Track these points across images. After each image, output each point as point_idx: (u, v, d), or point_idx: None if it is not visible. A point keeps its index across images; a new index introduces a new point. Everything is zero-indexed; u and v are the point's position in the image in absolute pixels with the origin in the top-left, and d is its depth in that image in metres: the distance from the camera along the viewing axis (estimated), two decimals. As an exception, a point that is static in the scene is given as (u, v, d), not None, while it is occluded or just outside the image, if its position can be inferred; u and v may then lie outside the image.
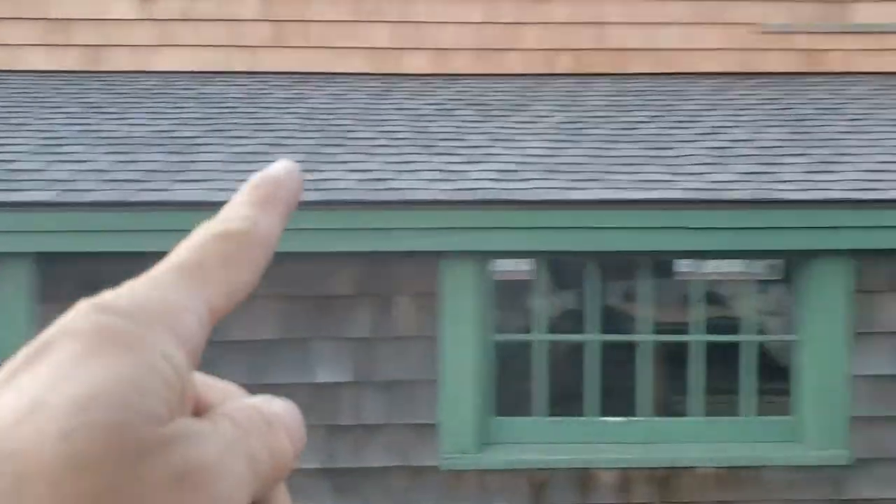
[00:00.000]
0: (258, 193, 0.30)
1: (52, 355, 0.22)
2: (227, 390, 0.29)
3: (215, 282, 0.26)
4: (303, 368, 3.54)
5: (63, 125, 4.30)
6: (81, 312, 0.23)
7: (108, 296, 0.24)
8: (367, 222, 3.51)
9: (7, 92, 4.89)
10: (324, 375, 3.58)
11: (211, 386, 0.28)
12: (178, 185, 3.46)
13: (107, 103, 4.69)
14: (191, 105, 4.65)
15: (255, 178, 0.30)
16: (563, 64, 5.38)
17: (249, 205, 0.29)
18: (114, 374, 0.21)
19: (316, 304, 3.60)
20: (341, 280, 3.59)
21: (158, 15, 5.28)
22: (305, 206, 3.20)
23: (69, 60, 5.29)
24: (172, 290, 0.25)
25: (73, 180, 3.61)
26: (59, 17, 5.26)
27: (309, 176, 3.31)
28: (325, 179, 3.62)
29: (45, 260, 3.48)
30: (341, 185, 3.62)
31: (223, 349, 3.36)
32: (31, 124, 4.31)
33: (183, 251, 0.27)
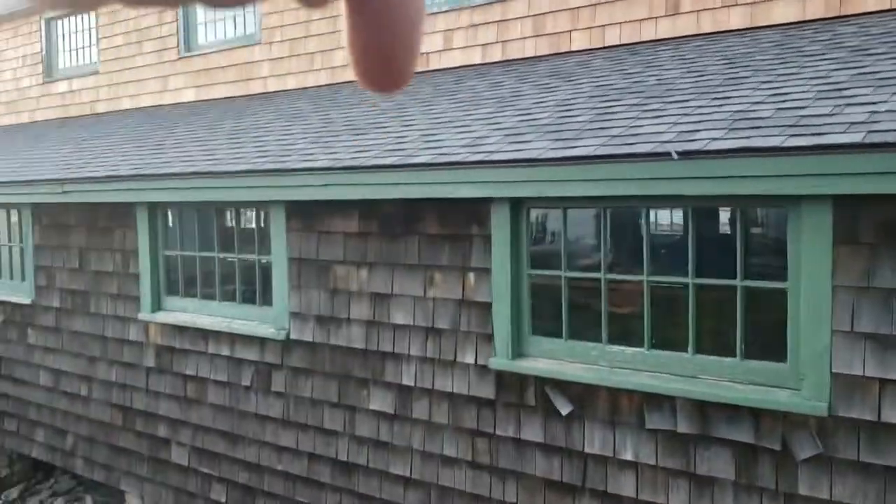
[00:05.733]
0: None
1: None
2: None
3: None
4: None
5: (837, 70, 4.36)
6: None
7: None
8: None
9: (762, 46, 5.34)
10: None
11: None
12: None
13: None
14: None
15: None
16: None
17: None
18: None
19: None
20: None
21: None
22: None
23: (817, 9, 5.58)
24: None
25: (876, 122, 3.45)
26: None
27: None
28: None
29: (844, 203, 3.49)
30: None
31: None
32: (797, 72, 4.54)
33: None
